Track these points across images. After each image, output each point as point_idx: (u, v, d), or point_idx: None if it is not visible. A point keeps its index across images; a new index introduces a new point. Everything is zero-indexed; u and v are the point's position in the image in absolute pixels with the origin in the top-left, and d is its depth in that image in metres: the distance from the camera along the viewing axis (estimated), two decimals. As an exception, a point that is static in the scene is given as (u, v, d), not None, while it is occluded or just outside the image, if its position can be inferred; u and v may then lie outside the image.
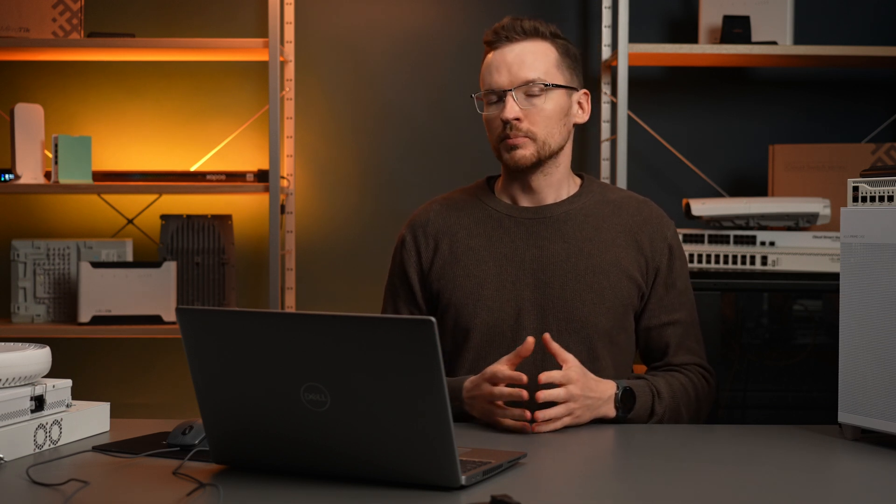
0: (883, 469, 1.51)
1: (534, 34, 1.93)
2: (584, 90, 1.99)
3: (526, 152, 1.92)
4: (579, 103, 1.99)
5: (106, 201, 3.33)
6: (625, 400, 1.82)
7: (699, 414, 1.96)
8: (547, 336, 1.78)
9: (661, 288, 1.97)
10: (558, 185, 1.99)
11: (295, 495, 1.33)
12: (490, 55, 1.95)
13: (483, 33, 1.99)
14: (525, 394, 1.71)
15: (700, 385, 1.96)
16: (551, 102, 1.92)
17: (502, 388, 1.73)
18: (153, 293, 3.08)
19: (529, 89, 1.90)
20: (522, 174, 1.96)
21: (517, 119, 1.90)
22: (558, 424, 1.73)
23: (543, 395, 1.72)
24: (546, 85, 1.91)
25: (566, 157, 1.99)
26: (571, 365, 1.76)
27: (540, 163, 1.94)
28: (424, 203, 2.09)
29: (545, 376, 1.73)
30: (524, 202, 1.99)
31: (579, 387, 1.74)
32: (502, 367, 1.75)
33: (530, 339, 1.75)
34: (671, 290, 1.98)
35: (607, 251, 1.95)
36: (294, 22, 3.26)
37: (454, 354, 1.96)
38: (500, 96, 1.92)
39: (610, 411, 1.80)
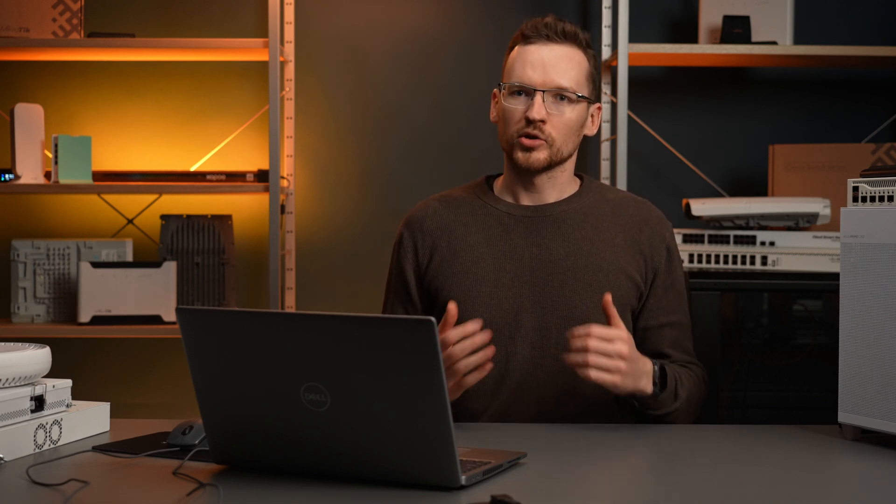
0: (883, 469, 1.51)
1: (573, 40, 1.94)
2: (598, 104, 2.00)
3: (540, 156, 1.92)
4: (591, 116, 2.00)
5: (106, 201, 3.33)
6: (661, 377, 1.83)
7: (697, 409, 1.98)
8: (607, 298, 1.76)
9: (660, 289, 1.98)
10: (561, 187, 2.00)
11: (295, 495, 1.33)
12: (524, 48, 1.94)
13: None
14: (478, 339, 1.72)
15: (697, 382, 1.97)
16: (574, 112, 1.93)
17: (460, 345, 1.73)
18: (153, 293, 3.08)
19: (558, 94, 1.91)
20: (529, 174, 1.96)
21: (542, 121, 1.90)
22: (605, 377, 1.72)
23: (594, 343, 1.70)
24: (578, 96, 1.92)
25: (572, 163, 2.00)
26: (623, 330, 1.75)
27: (549, 167, 1.95)
28: (421, 200, 2.09)
29: (597, 330, 1.72)
30: (525, 201, 2.00)
31: (628, 346, 1.74)
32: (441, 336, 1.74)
33: (452, 307, 1.74)
34: (670, 291, 1.99)
35: (607, 251, 1.95)
36: (294, 22, 3.26)
37: (452, 351, 1.96)
38: (528, 93, 1.92)
39: (648, 386, 1.79)
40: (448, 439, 1.31)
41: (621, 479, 1.48)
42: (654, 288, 1.98)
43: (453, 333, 1.73)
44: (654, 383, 1.80)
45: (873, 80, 3.32)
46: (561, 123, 1.92)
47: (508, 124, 1.94)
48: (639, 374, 1.77)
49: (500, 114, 1.96)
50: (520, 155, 1.93)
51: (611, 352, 1.72)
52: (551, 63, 1.91)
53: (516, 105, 1.93)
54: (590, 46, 1.97)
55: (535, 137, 1.91)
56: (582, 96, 1.93)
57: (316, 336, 1.32)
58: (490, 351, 1.74)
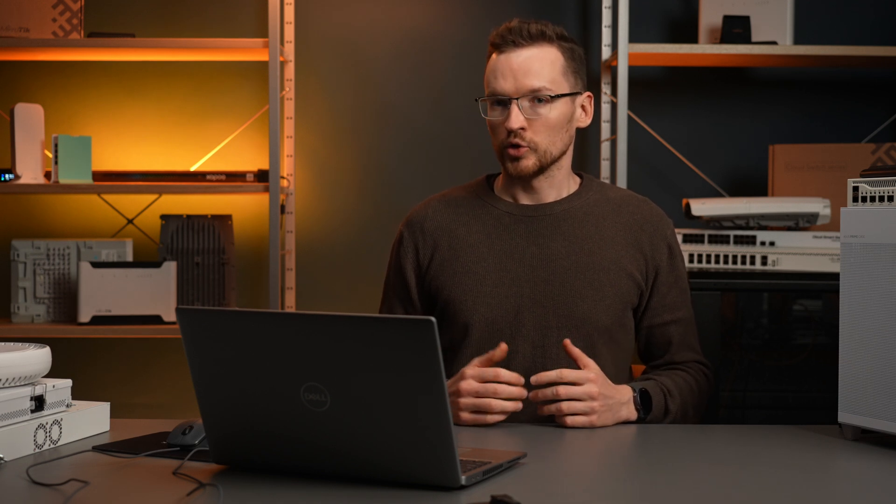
0: (883, 469, 1.51)
1: (540, 38, 1.91)
2: (588, 93, 1.99)
3: (528, 163, 1.93)
4: (583, 107, 1.99)
5: (106, 201, 3.33)
6: (643, 401, 1.84)
7: (700, 408, 1.98)
8: (567, 342, 1.80)
9: (663, 287, 1.98)
10: (559, 185, 2.00)
11: (295, 495, 1.33)
12: (496, 58, 1.93)
13: (483, 32, 1.99)
14: (523, 392, 1.75)
15: (701, 381, 1.99)
16: (556, 111, 1.92)
17: (496, 386, 1.75)
18: (153, 293, 3.08)
19: (534, 97, 1.90)
20: (522, 180, 1.97)
21: (521, 128, 1.90)
22: (581, 420, 1.75)
23: (563, 390, 1.74)
24: (553, 96, 1.91)
25: (567, 158, 2.00)
26: (591, 367, 1.78)
27: (542, 170, 1.95)
28: (422, 200, 2.09)
29: (566, 374, 1.75)
30: (525, 200, 2.00)
31: (598, 385, 1.76)
32: (479, 368, 1.78)
33: (503, 346, 1.77)
34: (673, 288, 1.99)
35: (608, 249, 1.96)
36: (294, 22, 3.26)
37: (453, 351, 1.96)
38: (505, 102, 1.91)
39: (632, 413, 1.82)
40: (448, 439, 1.31)
41: (621, 480, 1.48)
42: (657, 286, 1.98)
43: (508, 374, 1.75)
44: (638, 408, 1.82)
45: (873, 80, 3.32)
46: (542, 126, 1.91)
47: (495, 136, 1.95)
48: (617, 408, 1.80)
49: (488, 127, 1.97)
50: (509, 165, 1.94)
51: (581, 395, 1.75)
52: (521, 68, 1.90)
53: (496, 116, 1.93)
54: (564, 39, 1.94)
55: (518, 146, 1.91)
56: (560, 95, 1.91)
57: (316, 336, 1.32)
58: (518, 406, 1.76)
